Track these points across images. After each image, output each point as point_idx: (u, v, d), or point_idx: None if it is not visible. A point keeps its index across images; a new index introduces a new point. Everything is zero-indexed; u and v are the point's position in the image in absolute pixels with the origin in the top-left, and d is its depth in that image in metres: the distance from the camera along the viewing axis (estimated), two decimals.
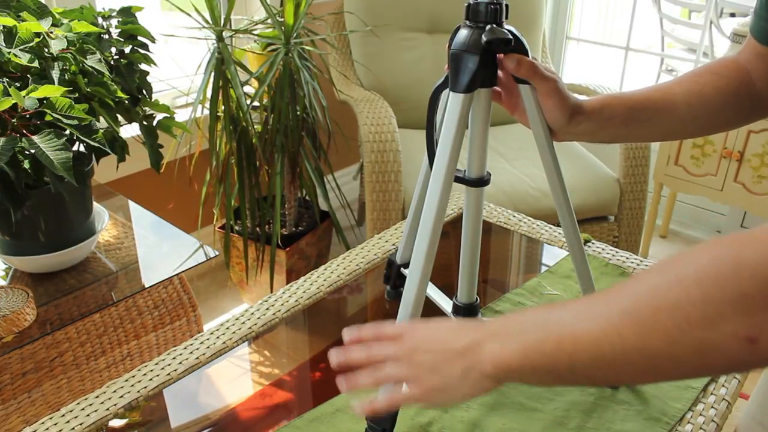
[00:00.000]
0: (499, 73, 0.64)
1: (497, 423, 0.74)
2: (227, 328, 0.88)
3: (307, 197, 1.97)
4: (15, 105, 0.91)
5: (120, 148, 1.08)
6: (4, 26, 0.96)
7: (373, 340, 0.58)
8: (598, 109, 0.65)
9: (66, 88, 0.95)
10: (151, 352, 1.24)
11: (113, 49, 1.12)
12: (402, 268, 0.86)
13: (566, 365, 0.46)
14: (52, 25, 1.04)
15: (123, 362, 1.19)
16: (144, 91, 1.15)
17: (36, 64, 0.96)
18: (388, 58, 2.11)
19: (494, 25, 0.59)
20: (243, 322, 0.89)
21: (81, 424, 0.72)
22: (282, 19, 1.62)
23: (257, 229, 1.84)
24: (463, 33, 0.60)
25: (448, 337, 0.54)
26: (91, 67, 1.02)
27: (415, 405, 0.56)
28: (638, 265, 1.02)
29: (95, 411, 0.74)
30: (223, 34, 1.60)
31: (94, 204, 1.17)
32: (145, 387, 0.78)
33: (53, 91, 0.93)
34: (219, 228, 1.90)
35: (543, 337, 0.48)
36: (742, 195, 1.97)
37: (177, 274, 1.20)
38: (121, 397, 0.76)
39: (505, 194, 1.78)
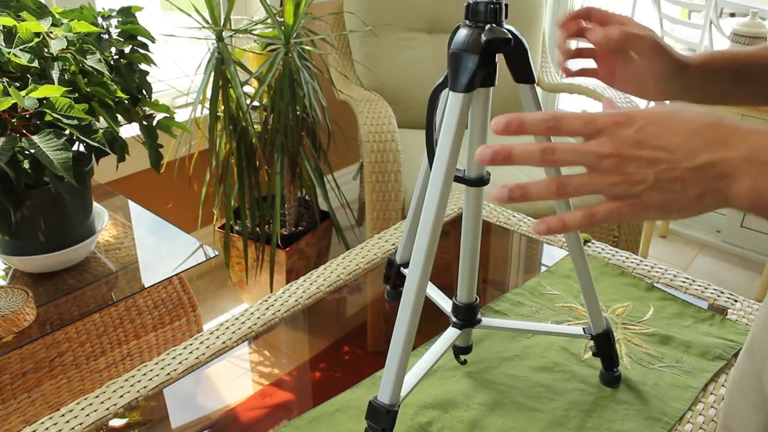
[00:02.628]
0: (588, 44, 0.61)
1: (497, 423, 0.74)
2: (227, 328, 0.88)
3: (307, 197, 1.97)
4: (15, 105, 0.91)
5: (120, 148, 1.08)
6: (4, 26, 0.96)
7: (574, 131, 0.46)
8: (706, 62, 0.61)
9: (66, 88, 0.95)
10: (151, 352, 1.24)
11: (113, 49, 1.12)
12: (402, 268, 0.86)
13: None
14: (52, 25, 1.04)
15: (123, 362, 1.19)
16: (144, 91, 1.15)
17: (36, 64, 0.96)
18: (388, 58, 2.11)
19: (494, 25, 0.59)
20: (243, 322, 0.89)
21: (81, 424, 0.72)
22: (282, 19, 1.62)
23: (257, 229, 1.84)
24: (463, 32, 0.60)
25: (686, 144, 0.42)
26: (91, 67, 1.02)
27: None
28: (638, 264, 1.02)
29: (95, 411, 0.74)
30: (223, 34, 1.60)
31: (94, 204, 1.17)
32: (145, 387, 0.78)
33: (53, 91, 0.93)
34: (219, 228, 1.90)
35: None
36: None
37: (177, 274, 1.20)
38: (121, 397, 0.76)
39: None
